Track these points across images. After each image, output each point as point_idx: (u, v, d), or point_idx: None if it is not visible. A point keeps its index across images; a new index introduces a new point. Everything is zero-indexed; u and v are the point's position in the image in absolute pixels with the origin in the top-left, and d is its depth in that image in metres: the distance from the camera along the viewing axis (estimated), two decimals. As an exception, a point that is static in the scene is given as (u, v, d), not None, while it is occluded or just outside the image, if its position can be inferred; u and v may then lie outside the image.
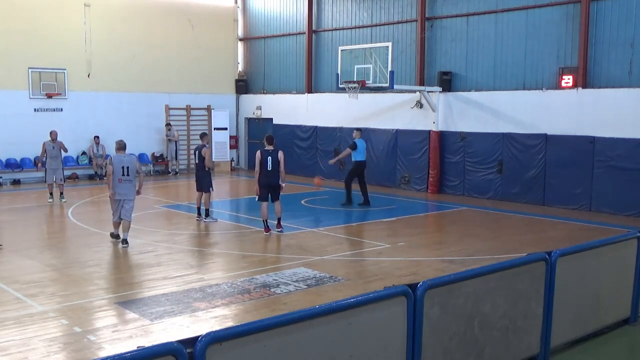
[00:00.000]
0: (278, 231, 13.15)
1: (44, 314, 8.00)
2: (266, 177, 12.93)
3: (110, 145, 22.96)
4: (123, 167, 11.76)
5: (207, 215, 14.31)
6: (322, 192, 19.50)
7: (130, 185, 11.86)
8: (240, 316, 7.99)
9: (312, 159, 22.81)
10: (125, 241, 11.76)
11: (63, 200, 16.86)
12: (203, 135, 14.89)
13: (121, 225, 11.91)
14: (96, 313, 8.14)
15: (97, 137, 22.48)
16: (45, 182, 17.08)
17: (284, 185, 13.28)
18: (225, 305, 8.39)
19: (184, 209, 16.19)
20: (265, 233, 13.02)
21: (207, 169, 14.39)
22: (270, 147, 13.10)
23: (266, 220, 13.10)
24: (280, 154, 13.03)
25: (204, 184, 14.35)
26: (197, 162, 14.54)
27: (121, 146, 12.09)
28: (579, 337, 6.90)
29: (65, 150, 17.35)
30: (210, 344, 3.76)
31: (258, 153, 13.14)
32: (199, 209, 14.48)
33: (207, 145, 14.52)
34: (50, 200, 16.70)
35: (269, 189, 13.02)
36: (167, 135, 24.18)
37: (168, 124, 24.24)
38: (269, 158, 12.93)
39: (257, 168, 13.06)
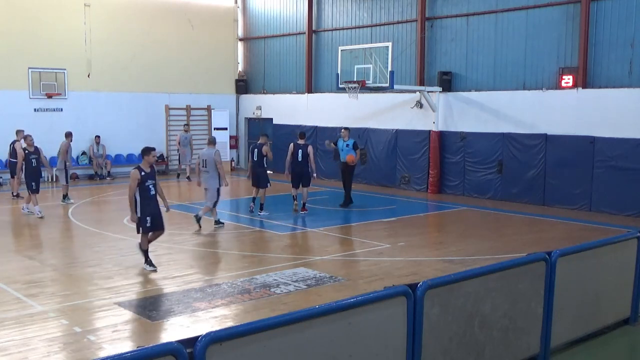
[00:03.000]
0: (302, 213, 15.25)
1: (44, 314, 8.00)
2: (297, 167, 15.32)
3: (111, 145, 23.04)
4: (202, 160, 13.58)
5: (261, 209, 15.11)
6: (322, 192, 19.51)
7: (208, 176, 13.41)
8: (240, 316, 7.99)
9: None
10: (217, 222, 13.54)
11: (69, 201, 16.80)
12: (263, 135, 16.03)
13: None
14: (96, 313, 8.14)
15: (98, 136, 22.49)
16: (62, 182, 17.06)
17: (315, 175, 15.77)
18: (225, 305, 8.39)
19: (184, 209, 16.18)
20: (295, 210, 15.45)
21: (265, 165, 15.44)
22: (302, 142, 15.52)
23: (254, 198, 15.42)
24: (310, 148, 15.45)
25: (263, 180, 15.19)
26: (255, 159, 15.32)
27: (208, 141, 14.01)
28: (579, 337, 6.90)
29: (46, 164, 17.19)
30: (210, 344, 3.76)
31: (291, 145, 15.43)
32: (254, 199, 15.42)
33: (266, 144, 15.45)
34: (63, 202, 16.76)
35: (299, 176, 15.32)
36: (181, 139, 22.69)
37: (187, 124, 23.60)
38: (300, 150, 15.30)
39: (288, 158, 15.37)
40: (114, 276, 9.80)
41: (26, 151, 14.94)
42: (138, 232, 10.08)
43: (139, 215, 9.85)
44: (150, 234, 10.10)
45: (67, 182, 16.92)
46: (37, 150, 15.15)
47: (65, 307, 8.31)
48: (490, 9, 18.37)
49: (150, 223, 9.92)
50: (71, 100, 22.17)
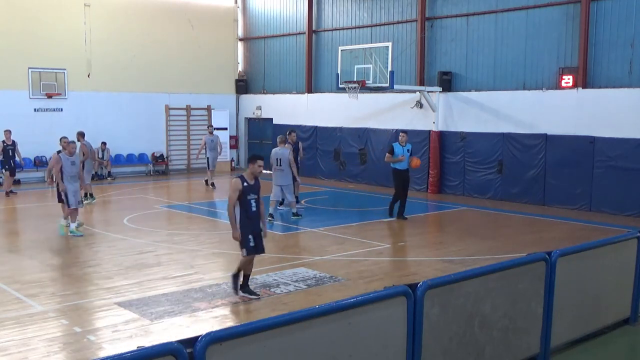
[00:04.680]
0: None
1: (44, 314, 8.00)
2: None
3: (111, 145, 22.99)
4: (276, 159, 14.23)
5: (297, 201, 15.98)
6: (322, 192, 19.52)
7: (282, 174, 14.25)
8: (240, 316, 8.00)
9: (312, 159, 22.79)
10: (295, 214, 14.59)
11: (92, 201, 16.70)
12: (289, 133, 16.65)
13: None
14: (96, 313, 8.14)
15: (104, 143, 22.52)
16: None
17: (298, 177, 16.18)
18: (225, 305, 8.39)
19: (184, 209, 16.18)
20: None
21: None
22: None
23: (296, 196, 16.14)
24: (299, 145, 16.59)
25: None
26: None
27: (280, 140, 14.78)
28: (579, 337, 6.90)
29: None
30: (210, 344, 3.77)
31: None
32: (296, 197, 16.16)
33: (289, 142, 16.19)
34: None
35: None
36: (206, 143, 20.22)
37: (210, 126, 22.07)
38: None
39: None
40: (114, 276, 9.80)
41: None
42: (243, 254, 8.53)
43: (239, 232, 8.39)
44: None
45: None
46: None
47: (65, 307, 8.31)
48: (490, 9, 18.37)
49: (253, 242, 8.44)
50: (71, 100, 22.16)
